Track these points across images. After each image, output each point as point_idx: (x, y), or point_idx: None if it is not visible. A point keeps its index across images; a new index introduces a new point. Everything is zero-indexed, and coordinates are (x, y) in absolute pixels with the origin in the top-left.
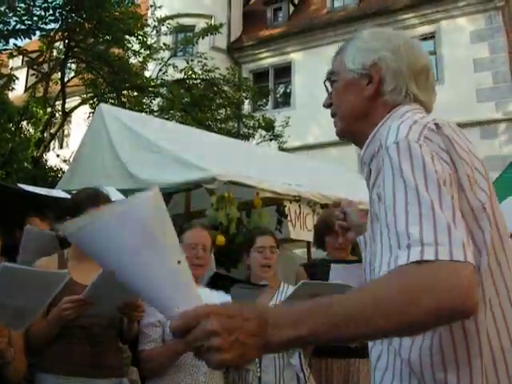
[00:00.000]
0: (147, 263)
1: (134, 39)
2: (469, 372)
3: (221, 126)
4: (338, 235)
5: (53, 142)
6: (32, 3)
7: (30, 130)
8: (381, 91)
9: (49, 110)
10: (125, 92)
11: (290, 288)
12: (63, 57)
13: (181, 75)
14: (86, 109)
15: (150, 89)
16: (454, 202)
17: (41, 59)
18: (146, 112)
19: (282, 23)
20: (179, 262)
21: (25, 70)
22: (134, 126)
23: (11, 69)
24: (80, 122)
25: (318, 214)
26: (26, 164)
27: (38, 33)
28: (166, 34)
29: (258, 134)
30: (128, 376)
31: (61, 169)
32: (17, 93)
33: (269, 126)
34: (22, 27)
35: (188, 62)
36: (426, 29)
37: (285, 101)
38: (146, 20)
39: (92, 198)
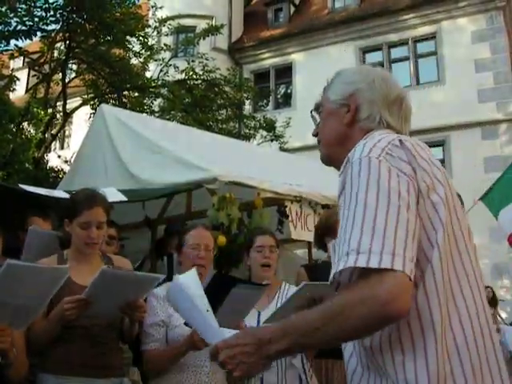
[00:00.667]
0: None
1: (135, 40)
2: (424, 355)
3: (222, 126)
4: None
5: (54, 142)
6: (33, 4)
7: (31, 131)
8: (357, 118)
9: (50, 110)
10: (126, 93)
11: (291, 288)
12: (64, 58)
13: (182, 76)
14: (86, 109)
15: (150, 89)
16: (402, 213)
17: (42, 60)
18: (147, 112)
19: (282, 24)
20: (207, 310)
21: (26, 70)
22: (135, 127)
23: (12, 70)
24: (81, 122)
25: (319, 215)
26: (27, 165)
27: (38, 34)
28: (166, 35)
29: (259, 134)
30: (129, 377)
31: (62, 169)
32: (18, 94)
33: (270, 126)
34: (23, 28)
35: (189, 63)
36: (427, 29)
37: (286, 101)
38: (147, 21)
39: (89, 199)
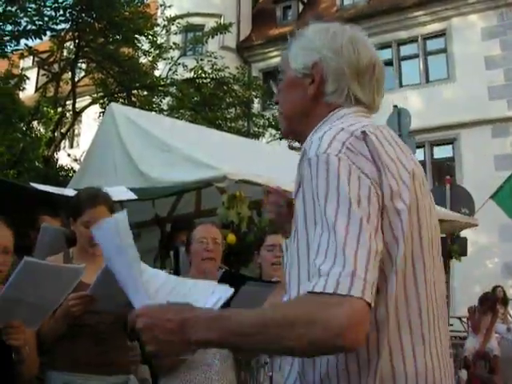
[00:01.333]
0: (121, 264)
1: (144, 39)
2: None
3: (231, 124)
4: None
5: (63, 141)
6: (42, 3)
7: (41, 130)
8: (322, 91)
9: (59, 109)
10: (135, 91)
11: None
12: (73, 57)
13: (190, 74)
14: (96, 108)
15: (159, 88)
16: (363, 221)
17: (51, 59)
18: (156, 111)
19: (291, 22)
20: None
21: (35, 70)
22: (145, 125)
23: (22, 69)
24: (90, 121)
25: None
26: (37, 163)
27: (48, 33)
28: (175, 34)
29: (268, 132)
30: (139, 374)
31: (72, 168)
32: (28, 93)
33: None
34: (33, 27)
35: (198, 61)
36: (436, 26)
37: None
38: (156, 19)
39: (92, 198)
